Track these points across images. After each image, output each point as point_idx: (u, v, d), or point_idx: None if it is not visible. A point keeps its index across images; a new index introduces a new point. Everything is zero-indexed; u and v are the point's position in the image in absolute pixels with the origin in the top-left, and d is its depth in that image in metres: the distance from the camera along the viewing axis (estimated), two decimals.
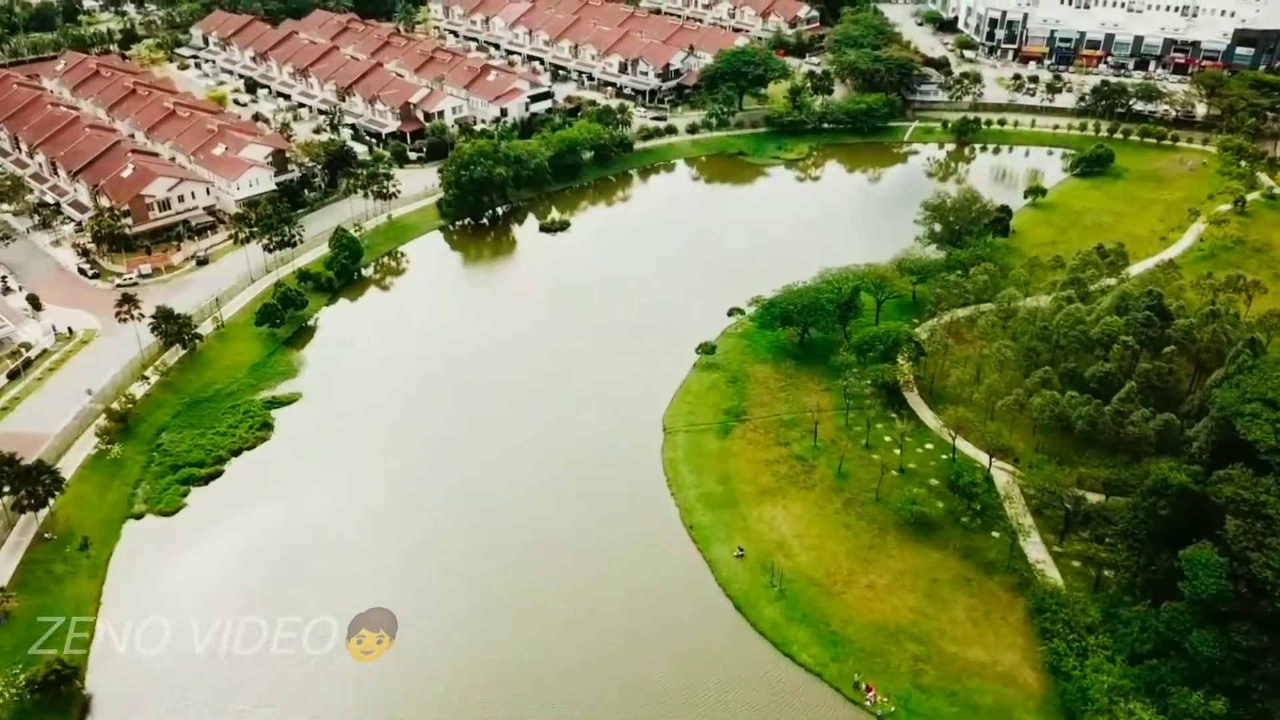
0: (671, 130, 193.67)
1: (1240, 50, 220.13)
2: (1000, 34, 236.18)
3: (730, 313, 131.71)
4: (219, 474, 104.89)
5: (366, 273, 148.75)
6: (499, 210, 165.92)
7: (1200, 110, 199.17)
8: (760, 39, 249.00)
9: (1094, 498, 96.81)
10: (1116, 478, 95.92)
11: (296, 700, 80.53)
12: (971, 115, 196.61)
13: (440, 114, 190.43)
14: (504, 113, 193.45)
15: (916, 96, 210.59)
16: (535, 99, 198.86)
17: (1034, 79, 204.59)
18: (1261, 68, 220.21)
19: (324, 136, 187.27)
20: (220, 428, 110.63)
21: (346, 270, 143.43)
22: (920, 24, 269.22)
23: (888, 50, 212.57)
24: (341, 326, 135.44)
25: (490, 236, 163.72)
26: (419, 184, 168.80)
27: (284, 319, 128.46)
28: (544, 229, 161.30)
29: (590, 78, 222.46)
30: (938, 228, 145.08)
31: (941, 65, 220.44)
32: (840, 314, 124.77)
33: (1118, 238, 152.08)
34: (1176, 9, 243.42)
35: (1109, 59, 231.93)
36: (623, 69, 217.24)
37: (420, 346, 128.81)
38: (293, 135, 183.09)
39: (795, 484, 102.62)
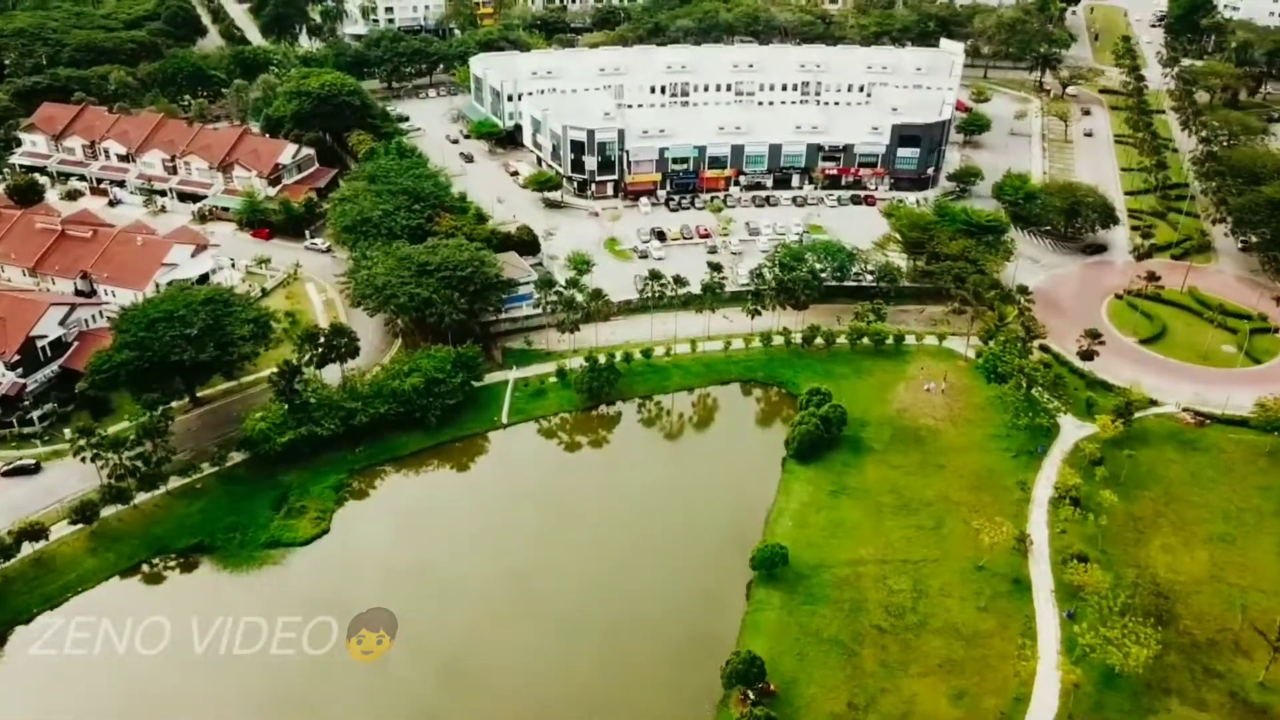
0: (44, 532, 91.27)
1: (903, 152, 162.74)
2: (592, 162, 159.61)
3: None
4: None
5: None
6: None
7: (902, 264, 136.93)
8: (226, 210, 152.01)
9: None
10: None
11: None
12: (600, 356, 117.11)
13: None
14: None
15: (504, 315, 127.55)
16: None
17: (659, 278, 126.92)
18: (930, 170, 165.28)
19: None
20: None
21: None
22: (467, 136, 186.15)
23: (438, 239, 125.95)
24: None
25: None
26: None
27: None
28: None
29: None
30: None
31: (532, 246, 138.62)
32: None
33: (938, 645, 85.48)
34: (791, 88, 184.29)
35: (741, 178, 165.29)
36: None
37: None
38: None
39: None
